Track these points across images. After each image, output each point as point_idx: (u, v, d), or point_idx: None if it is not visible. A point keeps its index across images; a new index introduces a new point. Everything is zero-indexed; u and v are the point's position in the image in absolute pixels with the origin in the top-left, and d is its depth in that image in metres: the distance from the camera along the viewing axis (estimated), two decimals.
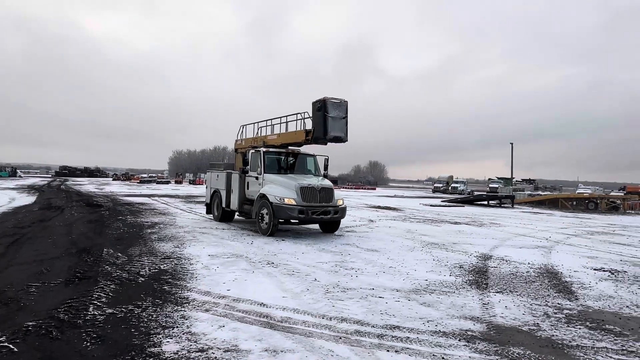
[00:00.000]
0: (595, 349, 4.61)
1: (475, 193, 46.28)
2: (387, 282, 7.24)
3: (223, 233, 12.36)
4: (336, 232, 13.21)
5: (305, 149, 14.03)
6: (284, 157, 13.47)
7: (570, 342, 4.78)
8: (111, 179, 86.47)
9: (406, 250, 10.54)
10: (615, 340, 4.90)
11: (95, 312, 5.13)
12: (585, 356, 4.39)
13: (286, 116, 13.62)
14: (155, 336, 4.48)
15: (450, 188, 64.57)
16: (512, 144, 35.50)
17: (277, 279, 7.15)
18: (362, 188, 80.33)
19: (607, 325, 5.41)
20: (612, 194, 44.89)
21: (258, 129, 15.45)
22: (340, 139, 12.17)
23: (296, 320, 5.14)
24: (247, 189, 13.52)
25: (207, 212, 16.26)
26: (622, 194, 43.75)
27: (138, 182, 67.31)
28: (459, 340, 4.71)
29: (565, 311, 5.96)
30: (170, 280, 6.78)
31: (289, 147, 13.71)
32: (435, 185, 70.66)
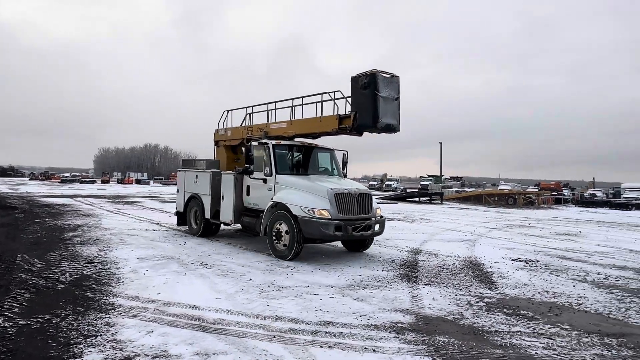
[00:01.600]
0: (511, 333, 4.99)
1: (408, 190, 48.23)
2: (322, 279, 7.34)
3: (154, 234, 11.83)
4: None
5: (320, 141, 10.80)
6: (297, 153, 10.23)
7: (489, 328, 5.14)
8: (27, 178, 79.49)
9: (341, 246, 10.74)
10: (527, 324, 5.34)
11: (6, 325, 4.70)
12: (502, 340, 4.74)
13: (301, 97, 10.24)
14: (76, 346, 4.20)
15: (384, 186, 66.74)
16: (440, 143, 37.50)
17: (210, 280, 6.98)
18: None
19: (521, 311, 5.87)
20: (528, 190, 48.79)
21: (247, 115, 12.01)
22: (393, 128, 8.93)
23: (230, 322, 5.05)
24: (247, 194, 10.15)
25: (180, 224, 12.63)
26: (537, 190, 47.71)
27: (59, 182, 62.52)
28: (390, 332, 4.89)
29: (485, 300, 6.39)
30: (94, 286, 6.38)
31: (299, 140, 10.54)
32: (370, 183, 72.64)
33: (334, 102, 9.42)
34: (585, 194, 48.72)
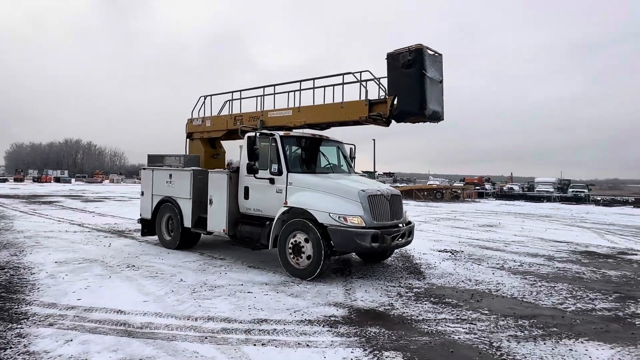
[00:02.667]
0: (437, 320, 5.26)
1: None
2: (256, 276, 7.27)
3: (75, 236, 11.03)
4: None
5: (328, 133, 9.01)
6: (307, 146, 8.45)
7: (417, 317, 5.38)
8: None
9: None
10: (452, 311, 5.67)
11: None
12: (429, 328, 4.99)
13: (311, 80, 8.48)
14: None
15: None
16: (374, 140, 38.72)
17: (138, 282, 6.65)
18: None
19: (446, 299, 6.22)
20: (454, 185, 51.76)
21: (228, 102, 10.12)
22: (438, 117, 7.43)
23: (158, 325, 4.84)
24: (245, 197, 8.17)
25: (145, 233, 10.27)
26: (462, 185, 50.77)
27: None
28: (323, 326, 4.96)
29: (414, 290, 6.68)
30: (3, 294, 5.82)
31: (304, 131, 8.80)
32: None
33: (361, 85, 7.69)
34: (504, 188, 52.59)
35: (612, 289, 7.12)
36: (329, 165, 8.40)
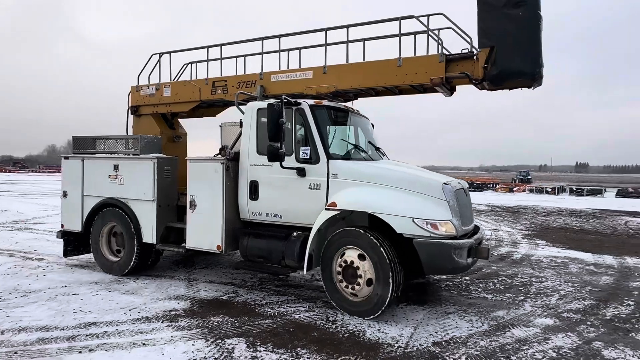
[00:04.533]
0: (279, 302, 5.45)
1: None
2: (83, 275, 6.49)
3: None
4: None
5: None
6: (340, 122, 6.11)
7: (261, 301, 5.49)
8: None
9: None
10: (294, 291, 5.94)
11: None
12: (272, 310, 5.13)
13: (325, 30, 6.27)
14: None
15: None
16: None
17: None
18: (59, 171, 68.88)
19: (289, 281, 6.48)
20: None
21: (190, 65, 7.64)
22: (540, 83, 5.41)
23: None
24: (252, 197, 5.71)
25: (71, 252, 7.12)
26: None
27: None
28: (162, 322, 4.69)
29: (259, 275, 6.79)
30: None
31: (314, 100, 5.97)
32: None
33: (430, 35, 5.62)
34: None
35: None
36: (360, 149, 5.95)
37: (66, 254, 7.09)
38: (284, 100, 5.19)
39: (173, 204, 6.49)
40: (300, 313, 5.06)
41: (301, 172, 5.32)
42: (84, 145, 7.19)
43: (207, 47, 7.14)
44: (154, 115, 7.77)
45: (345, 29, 6.12)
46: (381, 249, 4.72)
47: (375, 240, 4.76)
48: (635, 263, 8.19)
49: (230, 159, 5.78)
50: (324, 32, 6.26)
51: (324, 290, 5.20)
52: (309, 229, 5.20)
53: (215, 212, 5.74)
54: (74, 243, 7.07)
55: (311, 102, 5.57)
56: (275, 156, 5.02)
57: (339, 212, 5.07)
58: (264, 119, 5.45)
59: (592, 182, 56.21)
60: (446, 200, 4.88)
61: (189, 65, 7.65)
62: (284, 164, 5.17)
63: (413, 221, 4.70)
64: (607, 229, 13.03)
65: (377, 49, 6.26)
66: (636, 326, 4.85)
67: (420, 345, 4.22)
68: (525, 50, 5.16)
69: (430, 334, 4.49)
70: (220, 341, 4.20)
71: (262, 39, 6.66)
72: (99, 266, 6.77)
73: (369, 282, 4.84)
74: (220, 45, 7.03)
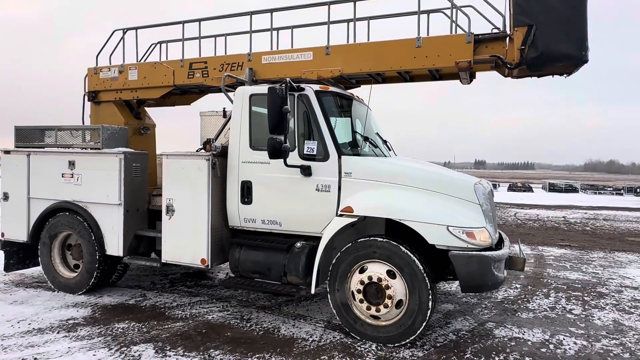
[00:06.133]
0: (191, 304, 5.25)
1: None
2: None
3: None
4: None
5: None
6: (346, 111, 5.26)
7: (172, 303, 5.25)
8: None
9: None
10: (207, 292, 5.76)
11: None
12: (183, 312, 4.94)
13: (328, 4, 5.33)
14: None
15: None
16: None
17: None
18: None
19: (202, 281, 6.28)
20: None
21: (157, 45, 6.61)
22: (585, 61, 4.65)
23: None
24: (245, 201, 4.81)
25: (11, 266, 6.01)
26: None
27: None
28: (59, 332, 4.29)
29: (170, 277, 6.49)
30: None
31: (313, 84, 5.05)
32: None
33: (457, 11, 4.88)
34: None
35: None
36: (372, 143, 5.16)
37: (8, 268, 5.99)
38: (288, 85, 4.37)
39: (143, 208, 5.54)
40: (213, 314, 4.93)
41: (306, 171, 4.48)
42: (29, 137, 6.02)
43: (183, 22, 6.09)
44: (116, 103, 6.56)
45: (353, 3, 5.30)
46: (417, 264, 4.01)
47: (410, 254, 4.03)
48: (523, 249, 9.17)
49: (217, 155, 4.89)
50: (325, 8, 5.36)
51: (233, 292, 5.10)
52: (314, 238, 4.51)
53: (199, 219, 4.82)
54: (17, 255, 5.98)
55: (316, 87, 4.74)
56: (277, 152, 4.26)
57: (355, 218, 4.30)
58: (257, 108, 4.82)
59: (489, 177, 61.94)
60: (479, 203, 4.21)
61: (159, 45, 6.63)
62: (287, 161, 4.37)
63: (448, 230, 3.98)
64: (500, 219, 14.44)
65: (379, 29, 5.57)
66: (521, 306, 5.44)
67: (333, 337, 4.32)
68: (572, 29, 4.49)
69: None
70: (125, 349, 3.94)
71: (251, 13, 5.77)
72: (51, 283, 5.70)
73: (399, 303, 4.12)
74: (199, 20, 6.03)
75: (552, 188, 34.23)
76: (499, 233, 4.75)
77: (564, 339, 4.42)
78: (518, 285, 6.35)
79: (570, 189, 33.82)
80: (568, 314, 5.18)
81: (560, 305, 5.47)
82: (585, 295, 5.95)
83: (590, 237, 11.37)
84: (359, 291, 4.22)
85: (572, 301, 5.66)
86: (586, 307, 5.44)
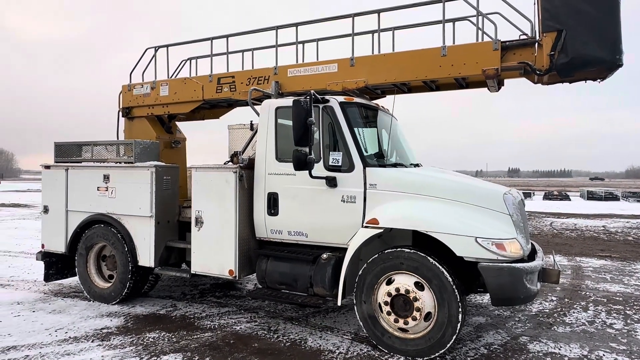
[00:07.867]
0: (220, 314, 5.31)
1: None
2: (3, 295, 5.98)
3: None
4: None
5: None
6: (371, 122, 5.28)
7: (201, 314, 5.33)
8: None
9: None
10: (235, 302, 5.82)
11: None
12: (212, 323, 4.99)
13: (352, 16, 5.42)
14: None
15: None
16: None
17: None
18: None
19: (230, 292, 6.35)
20: None
21: (187, 61, 6.86)
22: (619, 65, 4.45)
23: None
24: (272, 213, 4.87)
25: (53, 276, 6.25)
26: None
27: None
28: (93, 341, 4.42)
29: (199, 287, 6.59)
30: None
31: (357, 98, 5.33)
32: None
33: (483, 18, 4.81)
34: None
35: None
36: (398, 154, 5.30)
37: (48, 278, 6.19)
38: (313, 97, 4.43)
39: (174, 220, 5.68)
40: (241, 324, 4.96)
41: (332, 182, 4.51)
42: (67, 152, 6.26)
43: (211, 38, 6.29)
44: (148, 118, 6.78)
45: (377, 14, 5.30)
46: (445, 275, 3.94)
47: (438, 266, 3.97)
48: (559, 260, 8.83)
49: (244, 167, 4.97)
50: (349, 20, 5.42)
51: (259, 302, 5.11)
52: (340, 249, 4.53)
53: (227, 231, 4.90)
54: (56, 265, 6.20)
55: (340, 98, 4.80)
56: (302, 164, 4.28)
57: (381, 230, 4.28)
58: (283, 120, 4.88)
59: (523, 185, 60.19)
60: (509, 214, 4.12)
61: (188, 61, 6.85)
62: (313, 172, 4.39)
63: (476, 241, 3.91)
64: (534, 229, 13.97)
65: (404, 39, 5.61)
66: (557, 320, 5.22)
67: (360, 350, 4.27)
68: (604, 32, 4.34)
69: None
70: (155, 358, 4.02)
71: (277, 27, 5.86)
72: (87, 293, 5.86)
73: (427, 316, 4.04)
74: (227, 36, 6.22)
75: (591, 196, 32.88)
76: (532, 244, 4.61)
77: (603, 354, 4.21)
78: (554, 298, 6.10)
79: (611, 197, 32.36)
80: (608, 328, 4.93)
81: (600, 320, 5.21)
82: (627, 309, 5.65)
83: (633, 247, 10.82)
84: (386, 303, 4.16)
85: (612, 315, 5.39)
86: (628, 321, 5.17)
